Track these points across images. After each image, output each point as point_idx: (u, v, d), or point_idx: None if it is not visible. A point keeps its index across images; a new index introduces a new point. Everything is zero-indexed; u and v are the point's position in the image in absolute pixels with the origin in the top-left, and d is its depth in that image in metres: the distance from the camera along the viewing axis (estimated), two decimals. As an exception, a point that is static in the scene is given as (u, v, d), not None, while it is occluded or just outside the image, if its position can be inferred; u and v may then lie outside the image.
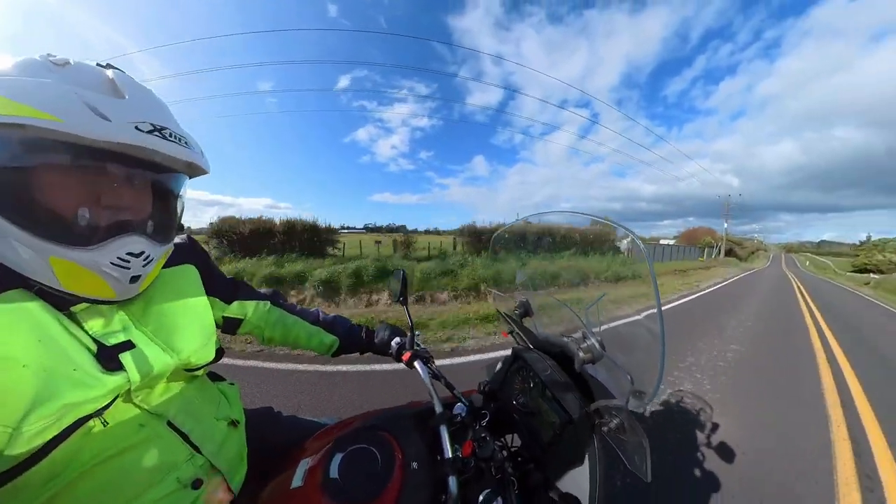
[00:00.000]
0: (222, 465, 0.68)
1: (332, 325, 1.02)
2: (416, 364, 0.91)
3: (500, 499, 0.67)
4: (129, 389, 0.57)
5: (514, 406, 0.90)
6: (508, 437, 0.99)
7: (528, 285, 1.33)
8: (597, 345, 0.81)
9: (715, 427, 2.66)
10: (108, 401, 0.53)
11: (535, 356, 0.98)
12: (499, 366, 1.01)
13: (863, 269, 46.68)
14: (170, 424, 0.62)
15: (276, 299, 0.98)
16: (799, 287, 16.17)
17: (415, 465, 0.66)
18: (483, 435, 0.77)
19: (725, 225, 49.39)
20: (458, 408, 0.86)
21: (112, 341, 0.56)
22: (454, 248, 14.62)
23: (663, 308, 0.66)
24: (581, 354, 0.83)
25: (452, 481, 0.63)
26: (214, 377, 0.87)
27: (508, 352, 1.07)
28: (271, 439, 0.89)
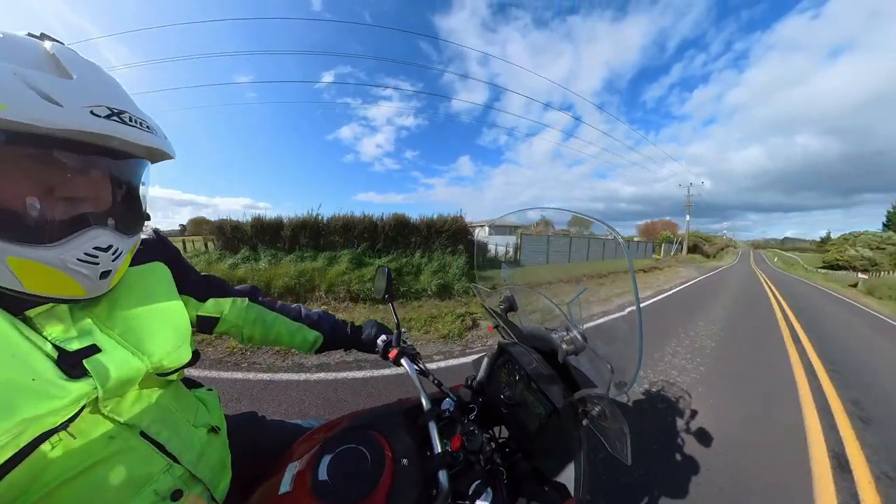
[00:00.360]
0: (204, 474, 0.65)
1: (315, 321, 0.99)
2: (404, 361, 0.90)
3: (489, 490, 0.67)
4: (97, 399, 0.52)
5: (501, 399, 0.92)
6: (496, 429, 1.00)
7: (512, 280, 1.35)
8: (579, 337, 0.83)
9: (693, 413, 2.83)
10: (74, 412, 0.49)
11: (521, 350, 1.00)
12: (485, 360, 1.02)
13: (834, 266, 42.74)
14: (143, 435, 0.58)
15: (255, 296, 0.94)
16: (775, 294, 11.17)
17: (405, 461, 0.66)
18: (471, 428, 0.78)
19: (687, 218, 44.85)
20: (447, 403, 0.87)
21: (75, 346, 0.51)
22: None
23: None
24: (564, 346, 0.85)
25: (443, 475, 0.64)
26: (191, 384, 0.83)
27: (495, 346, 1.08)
28: (256, 445, 0.86)
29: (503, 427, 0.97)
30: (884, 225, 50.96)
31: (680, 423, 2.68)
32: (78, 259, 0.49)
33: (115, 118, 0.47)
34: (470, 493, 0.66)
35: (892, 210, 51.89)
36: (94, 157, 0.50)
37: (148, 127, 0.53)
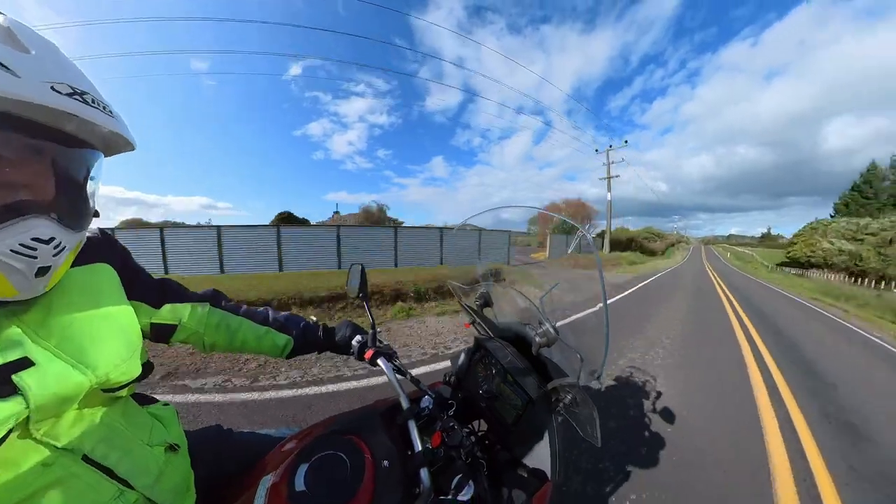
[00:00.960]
0: (164, 497, 0.60)
1: (284, 324, 0.93)
2: (380, 361, 0.88)
3: (471, 482, 0.68)
4: (28, 420, 0.46)
5: (479, 393, 0.93)
6: (476, 422, 1.02)
7: (487, 277, 1.38)
8: (552, 329, 0.87)
9: (659, 395, 3.09)
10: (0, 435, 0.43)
11: (497, 344, 1.02)
12: (462, 356, 1.03)
13: (803, 263, 33.63)
14: (87, 459, 0.52)
15: (217, 300, 0.87)
16: (752, 341, 5.20)
17: (386, 463, 0.65)
18: (451, 424, 0.78)
19: (609, 197, 31.27)
20: (425, 401, 0.86)
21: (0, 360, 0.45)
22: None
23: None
24: (538, 339, 0.89)
25: (424, 473, 0.63)
26: (144, 400, 0.74)
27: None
28: (223, 461, 0.81)
29: (481, 420, 0.99)
30: (831, 216, 42.72)
31: (647, 403, 2.90)
32: (11, 250, 0.42)
33: (77, 97, 0.43)
34: (452, 487, 0.67)
35: (838, 202, 45.32)
36: (44, 142, 0.44)
37: (110, 112, 0.49)
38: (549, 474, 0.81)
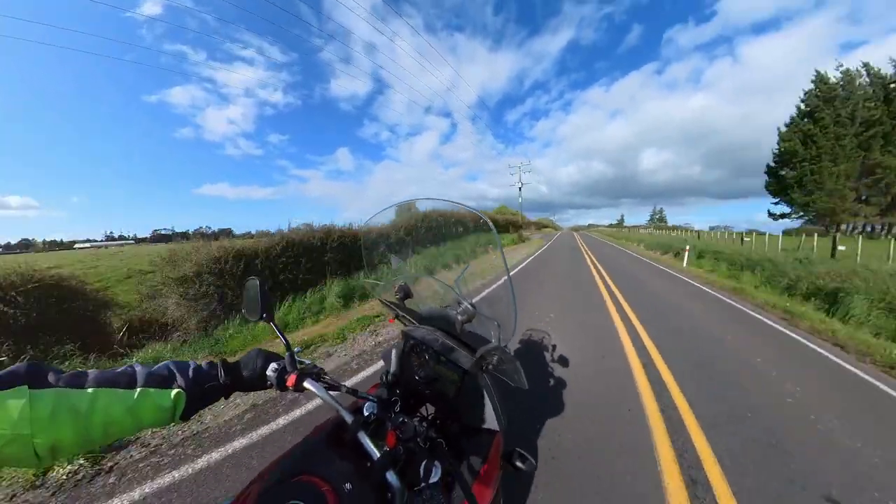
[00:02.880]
0: None
1: (165, 376, 0.71)
2: (307, 384, 0.78)
3: (436, 462, 0.71)
4: None
5: (418, 380, 0.99)
6: (423, 409, 1.06)
7: (403, 269, 1.43)
8: (470, 307, 0.99)
9: (554, 347, 3.78)
10: None
11: (424, 331, 1.09)
12: (393, 352, 1.05)
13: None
14: None
15: (38, 377, 0.58)
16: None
17: (348, 486, 0.62)
18: (400, 419, 0.79)
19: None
20: (368, 407, 0.83)
21: None
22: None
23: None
24: (459, 317, 1.00)
25: (391, 476, 0.63)
26: None
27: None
28: None
29: (427, 405, 1.05)
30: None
31: (546, 355, 3.56)
32: None
33: None
34: (422, 474, 0.69)
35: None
36: None
37: None
38: (497, 427, 0.94)
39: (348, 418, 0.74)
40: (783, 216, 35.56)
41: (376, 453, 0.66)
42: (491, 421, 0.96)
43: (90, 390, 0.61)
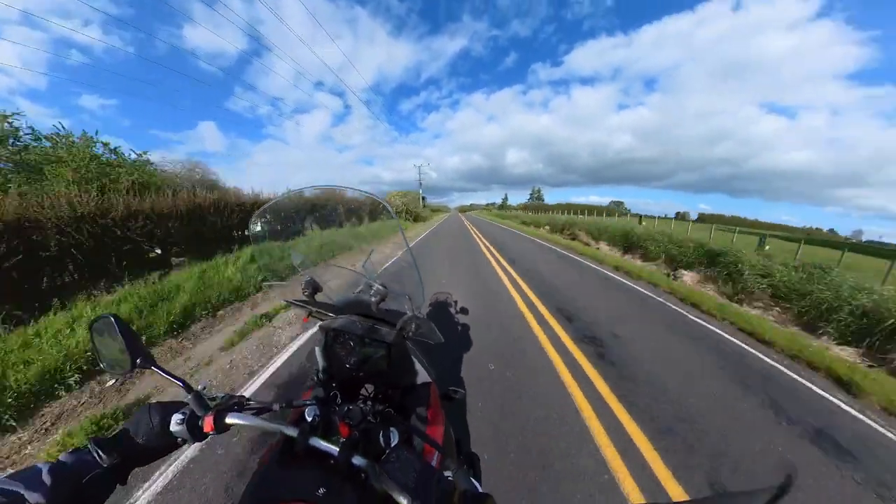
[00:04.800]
0: None
1: (9, 490, 0.48)
2: (231, 419, 0.68)
3: (392, 429, 0.75)
4: None
5: (350, 368, 1.01)
6: (364, 389, 1.09)
7: (306, 264, 1.40)
8: (381, 287, 1.09)
9: (456, 302, 4.42)
10: None
11: (342, 320, 1.10)
12: (317, 349, 1.05)
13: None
14: None
15: None
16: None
17: (322, 491, 0.62)
18: (345, 409, 0.80)
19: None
20: (309, 412, 0.80)
21: None
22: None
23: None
24: (373, 299, 1.09)
25: (357, 459, 0.62)
26: None
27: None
28: None
29: (366, 386, 1.08)
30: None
31: (451, 310, 4.18)
32: None
33: None
34: (383, 443, 0.72)
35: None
36: None
37: None
38: (430, 378, 1.09)
39: (293, 433, 0.68)
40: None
41: (335, 449, 0.64)
42: (423, 375, 1.10)
43: None
